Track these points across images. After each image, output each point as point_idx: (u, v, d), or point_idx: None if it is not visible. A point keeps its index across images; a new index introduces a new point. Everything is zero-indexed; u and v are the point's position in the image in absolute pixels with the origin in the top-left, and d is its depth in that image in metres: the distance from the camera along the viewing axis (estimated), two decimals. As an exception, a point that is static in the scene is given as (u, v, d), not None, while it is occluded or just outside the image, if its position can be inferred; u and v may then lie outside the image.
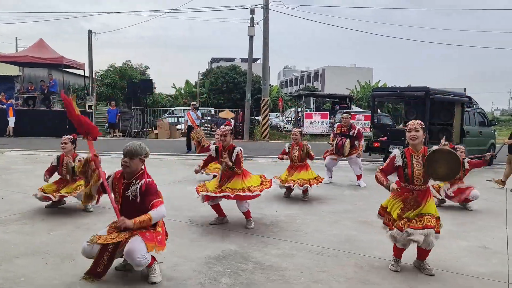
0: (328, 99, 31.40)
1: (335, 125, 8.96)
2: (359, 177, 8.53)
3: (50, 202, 5.77)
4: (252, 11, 21.21)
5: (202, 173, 8.65)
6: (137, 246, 3.31)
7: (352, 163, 8.57)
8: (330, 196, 7.38)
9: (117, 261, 3.68)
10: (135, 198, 3.49)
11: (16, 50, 33.83)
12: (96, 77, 27.37)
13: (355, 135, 8.47)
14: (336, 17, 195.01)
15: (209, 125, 20.62)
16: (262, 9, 20.81)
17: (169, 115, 25.53)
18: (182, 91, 35.25)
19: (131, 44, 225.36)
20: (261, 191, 5.14)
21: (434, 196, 5.53)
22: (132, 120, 20.85)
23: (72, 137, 5.90)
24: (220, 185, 5.17)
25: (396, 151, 4.00)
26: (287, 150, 7.22)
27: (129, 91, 21.54)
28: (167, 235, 3.78)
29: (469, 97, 12.30)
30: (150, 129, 21.40)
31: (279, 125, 26.86)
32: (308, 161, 7.17)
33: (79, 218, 5.52)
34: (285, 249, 4.55)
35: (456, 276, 3.90)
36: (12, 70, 23.66)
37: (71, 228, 5.05)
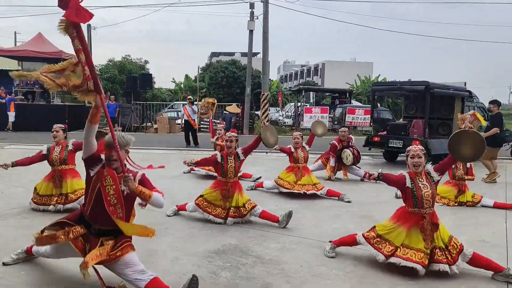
0: (328, 94, 31.34)
1: (332, 143, 8.53)
2: (366, 174, 8.47)
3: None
4: (252, 5, 21.12)
5: (193, 168, 8.72)
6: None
7: (352, 171, 8.49)
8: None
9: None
10: (125, 193, 3.27)
11: (15, 45, 33.70)
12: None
13: (352, 144, 8.51)
14: (336, 11, 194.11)
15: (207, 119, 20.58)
16: (262, 3, 20.70)
17: (169, 109, 25.49)
18: (182, 85, 35.17)
19: (130, 38, 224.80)
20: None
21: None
22: (132, 114, 20.80)
23: (63, 126, 5.88)
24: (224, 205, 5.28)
25: (405, 173, 3.96)
26: (292, 150, 7.18)
27: (129, 85, 21.47)
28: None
29: (469, 92, 12.28)
30: (149, 124, 21.36)
31: (279, 119, 26.82)
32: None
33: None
34: (284, 243, 4.56)
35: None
36: (11, 65, 23.57)
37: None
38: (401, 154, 12.20)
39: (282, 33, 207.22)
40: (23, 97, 20.21)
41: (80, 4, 2.78)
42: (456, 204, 6.49)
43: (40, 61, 23.10)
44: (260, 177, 8.20)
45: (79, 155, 3.72)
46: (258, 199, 6.62)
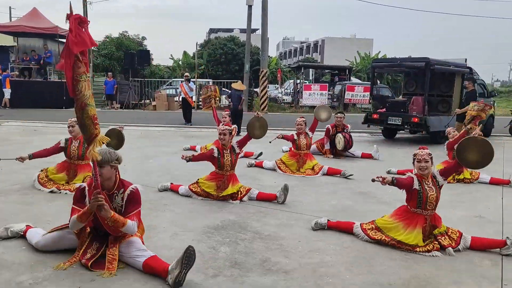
0: (327, 71, 31.10)
1: (327, 127, 8.56)
2: (364, 154, 8.54)
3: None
4: (251, -21, 20.70)
5: (194, 146, 8.79)
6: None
7: (348, 154, 8.57)
8: (328, 167, 7.41)
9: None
10: (122, 209, 3.36)
11: (10, 20, 33.13)
12: (92, 48, 26.94)
13: (349, 131, 8.49)
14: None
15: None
16: (261, -23, 20.29)
17: (167, 86, 25.30)
18: (180, 62, 34.84)
19: (126, 14, 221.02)
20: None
21: None
22: (130, 91, 20.67)
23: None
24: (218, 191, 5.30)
25: (413, 175, 4.01)
26: (295, 138, 7.15)
27: (126, 62, 21.23)
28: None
29: (470, 68, 12.18)
30: (148, 101, 21.25)
31: (278, 97, 26.67)
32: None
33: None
34: (283, 219, 4.60)
35: (451, 245, 3.95)
36: (6, 40, 23.23)
37: (71, 200, 5.06)
38: (400, 132, 12.22)
39: (281, 9, 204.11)
40: (17, 73, 20.02)
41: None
42: (455, 181, 6.55)
43: (36, 37, 22.83)
44: (261, 153, 8.23)
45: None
46: (256, 175, 6.68)
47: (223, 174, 5.33)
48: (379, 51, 41.89)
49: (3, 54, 23.58)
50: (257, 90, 22.09)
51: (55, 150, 5.71)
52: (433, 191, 3.93)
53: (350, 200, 5.44)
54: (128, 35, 32.04)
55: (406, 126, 10.77)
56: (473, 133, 6.23)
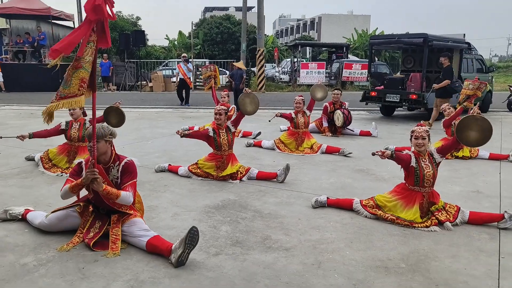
0: (324, 49, 30.82)
1: (324, 105, 8.57)
2: (362, 132, 8.56)
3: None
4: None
5: (192, 127, 8.75)
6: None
7: (347, 133, 8.59)
8: (327, 146, 7.42)
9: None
10: (118, 181, 3.44)
11: (1, 1, 32.53)
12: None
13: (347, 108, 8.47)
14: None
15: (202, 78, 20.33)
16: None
17: (163, 67, 25.08)
18: (176, 42, 34.45)
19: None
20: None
21: None
22: (126, 73, 20.50)
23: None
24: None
25: (411, 153, 4.03)
26: (293, 116, 7.14)
27: (121, 43, 20.96)
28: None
29: (468, 43, 12.09)
30: (144, 82, 21.09)
31: (275, 76, 26.50)
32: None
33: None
34: (283, 197, 4.64)
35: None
36: (-2, 22, 22.89)
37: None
38: (398, 109, 12.20)
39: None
40: (8, 56, 19.75)
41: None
42: (453, 158, 6.58)
43: (28, 19, 22.45)
44: (259, 133, 8.22)
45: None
46: (255, 155, 6.69)
47: (222, 155, 5.34)
48: (377, 28, 41.67)
49: (-4, 37, 23.23)
50: (254, 69, 21.92)
51: (56, 131, 5.74)
52: (429, 169, 3.96)
53: (349, 178, 5.47)
54: (122, 15, 31.57)
55: (404, 103, 10.76)
56: (471, 111, 6.22)
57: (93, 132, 3.20)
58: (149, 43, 32.44)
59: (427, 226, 3.78)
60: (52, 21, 20.36)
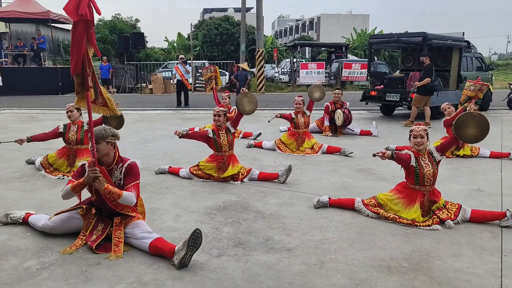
0: (323, 49, 30.84)
1: (326, 104, 8.57)
2: (362, 131, 8.56)
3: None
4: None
5: (193, 128, 8.71)
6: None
7: (347, 132, 8.59)
8: (328, 146, 7.43)
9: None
10: (121, 182, 3.43)
11: (1, 5, 32.56)
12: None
13: (348, 107, 8.48)
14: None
15: (203, 80, 20.33)
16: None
17: (163, 69, 25.09)
18: (175, 44, 34.47)
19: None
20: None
21: None
22: (126, 75, 20.50)
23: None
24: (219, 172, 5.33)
25: (411, 152, 4.04)
26: (293, 116, 7.13)
27: (121, 45, 20.97)
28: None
29: (468, 42, 12.10)
30: (144, 84, 21.10)
31: (275, 76, 26.51)
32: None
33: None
34: (284, 198, 4.64)
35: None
36: (-2, 26, 22.92)
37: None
38: (398, 108, 12.21)
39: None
40: (6, 59, 19.76)
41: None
42: (454, 157, 6.58)
43: (28, 22, 22.48)
44: (260, 133, 8.23)
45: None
46: (256, 156, 6.70)
47: (222, 156, 5.35)
48: (376, 27, 41.61)
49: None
50: (254, 70, 21.94)
51: (54, 134, 5.73)
52: (429, 167, 3.97)
53: (350, 178, 5.47)
54: (121, 18, 31.57)
55: (404, 102, 10.77)
56: (467, 108, 6.22)
57: (91, 130, 3.23)
58: (148, 45, 32.44)
59: (429, 225, 3.79)
60: (52, 24, 20.39)
